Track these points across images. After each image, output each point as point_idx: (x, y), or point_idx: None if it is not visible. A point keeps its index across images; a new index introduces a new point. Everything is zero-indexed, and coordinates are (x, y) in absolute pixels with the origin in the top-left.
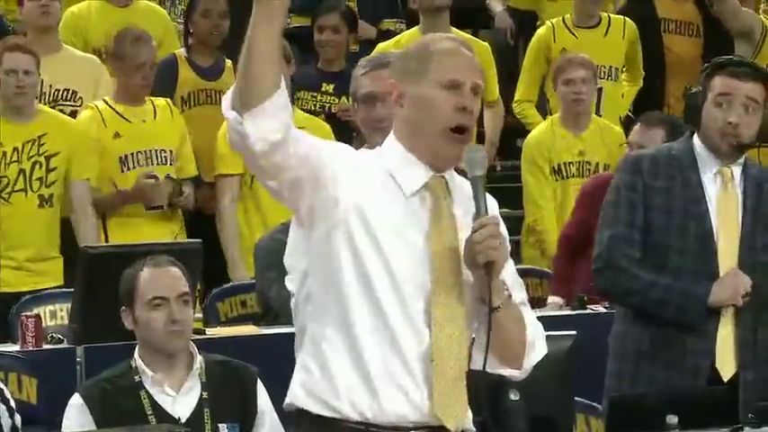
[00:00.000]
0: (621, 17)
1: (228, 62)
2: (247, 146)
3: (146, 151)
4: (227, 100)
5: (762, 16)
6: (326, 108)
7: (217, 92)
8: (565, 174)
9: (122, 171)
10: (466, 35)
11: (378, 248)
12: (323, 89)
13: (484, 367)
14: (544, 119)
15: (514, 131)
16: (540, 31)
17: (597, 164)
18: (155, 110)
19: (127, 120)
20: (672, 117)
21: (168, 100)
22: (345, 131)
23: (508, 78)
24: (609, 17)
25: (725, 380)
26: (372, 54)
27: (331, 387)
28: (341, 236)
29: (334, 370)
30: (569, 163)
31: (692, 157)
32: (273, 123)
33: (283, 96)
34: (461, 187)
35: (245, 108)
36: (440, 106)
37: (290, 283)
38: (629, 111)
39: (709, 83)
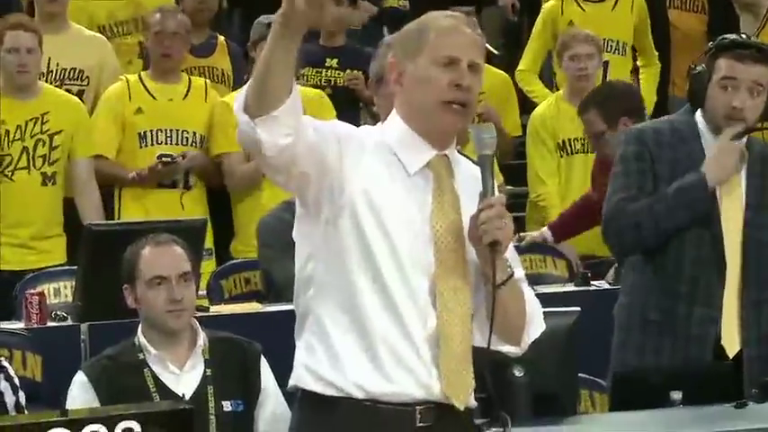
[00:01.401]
0: None
1: (221, 38)
2: (259, 149)
3: (166, 130)
4: (239, 100)
5: None
6: (332, 82)
7: (210, 69)
8: (569, 149)
9: (140, 147)
10: None
11: (383, 230)
12: (327, 64)
13: (488, 345)
14: (552, 92)
15: (520, 108)
16: (548, 4)
17: None
18: (188, 90)
19: (153, 96)
20: (601, 86)
21: (207, 81)
22: (352, 104)
23: (512, 57)
24: None
25: (730, 356)
26: None
27: (337, 367)
28: (347, 219)
29: (339, 351)
30: (574, 139)
31: (696, 130)
32: (285, 128)
33: (296, 99)
34: (465, 167)
35: (258, 112)
36: (435, 83)
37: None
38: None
39: (713, 64)
